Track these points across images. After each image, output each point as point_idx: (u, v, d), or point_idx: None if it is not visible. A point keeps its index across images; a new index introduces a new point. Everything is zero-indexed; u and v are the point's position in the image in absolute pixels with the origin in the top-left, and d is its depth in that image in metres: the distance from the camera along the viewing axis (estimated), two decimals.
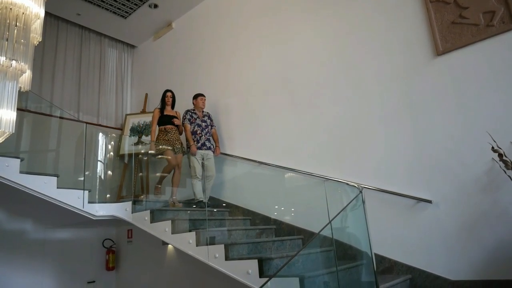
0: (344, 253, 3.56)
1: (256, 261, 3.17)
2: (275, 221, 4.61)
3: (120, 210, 4.43)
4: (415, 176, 3.65)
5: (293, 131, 4.75)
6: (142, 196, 5.14)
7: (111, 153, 5.74)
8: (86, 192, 4.18)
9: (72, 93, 6.46)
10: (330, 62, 4.52)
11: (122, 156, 5.89)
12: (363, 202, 2.80)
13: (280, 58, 5.08)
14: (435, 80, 3.68)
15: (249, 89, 5.37)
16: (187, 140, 5.05)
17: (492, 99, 3.32)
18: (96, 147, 5.18)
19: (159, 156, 5.00)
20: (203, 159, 4.93)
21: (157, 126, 5.08)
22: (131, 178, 5.42)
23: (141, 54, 7.63)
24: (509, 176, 3.03)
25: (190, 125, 5.08)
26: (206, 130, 5.11)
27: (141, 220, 4.28)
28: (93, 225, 5.49)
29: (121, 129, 6.54)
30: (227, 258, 3.41)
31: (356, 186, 3.34)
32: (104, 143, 5.45)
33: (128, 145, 5.98)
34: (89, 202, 4.19)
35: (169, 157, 4.85)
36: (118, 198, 5.18)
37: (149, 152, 4.97)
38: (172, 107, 5.24)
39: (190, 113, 5.18)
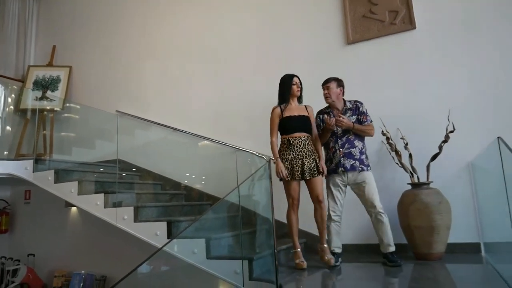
0: (249, 219, 3.83)
1: (165, 223, 3.29)
2: (186, 187, 4.73)
3: (19, 168, 4.16)
4: None
5: (212, 102, 4.83)
6: (46, 155, 4.82)
7: (11, 107, 5.22)
8: None
9: None
10: (255, 38, 4.67)
11: (23, 111, 5.38)
12: (270, 172, 3.04)
13: (205, 27, 5.06)
14: (344, 66, 4.06)
15: (170, 53, 5.27)
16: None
17: (387, 89, 3.81)
18: None
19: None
20: (345, 185, 3.27)
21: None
22: (34, 135, 5.01)
23: (49, 1, 6.89)
24: (393, 157, 3.55)
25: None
26: (346, 138, 3.24)
27: (44, 180, 4.07)
28: None
29: (23, 81, 5.93)
30: (136, 220, 3.46)
31: (264, 157, 3.59)
32: (3, 95, 4.93)
33: (31, 99, 5.48)
34: None
35: (292, 188, 3.14)
36: (17, 155, 4.78)
37: (278, 176, 3.14)
38: (299, 100, 3.38)
39: (321, 117, 3.44)
